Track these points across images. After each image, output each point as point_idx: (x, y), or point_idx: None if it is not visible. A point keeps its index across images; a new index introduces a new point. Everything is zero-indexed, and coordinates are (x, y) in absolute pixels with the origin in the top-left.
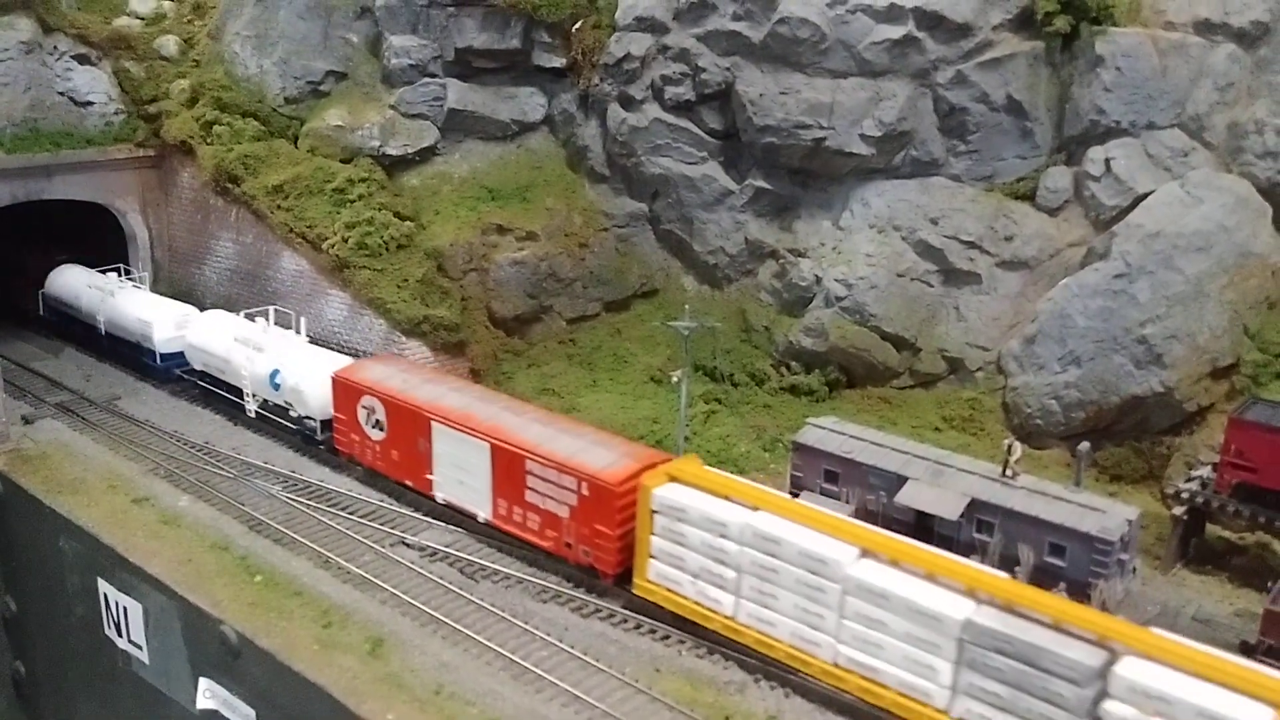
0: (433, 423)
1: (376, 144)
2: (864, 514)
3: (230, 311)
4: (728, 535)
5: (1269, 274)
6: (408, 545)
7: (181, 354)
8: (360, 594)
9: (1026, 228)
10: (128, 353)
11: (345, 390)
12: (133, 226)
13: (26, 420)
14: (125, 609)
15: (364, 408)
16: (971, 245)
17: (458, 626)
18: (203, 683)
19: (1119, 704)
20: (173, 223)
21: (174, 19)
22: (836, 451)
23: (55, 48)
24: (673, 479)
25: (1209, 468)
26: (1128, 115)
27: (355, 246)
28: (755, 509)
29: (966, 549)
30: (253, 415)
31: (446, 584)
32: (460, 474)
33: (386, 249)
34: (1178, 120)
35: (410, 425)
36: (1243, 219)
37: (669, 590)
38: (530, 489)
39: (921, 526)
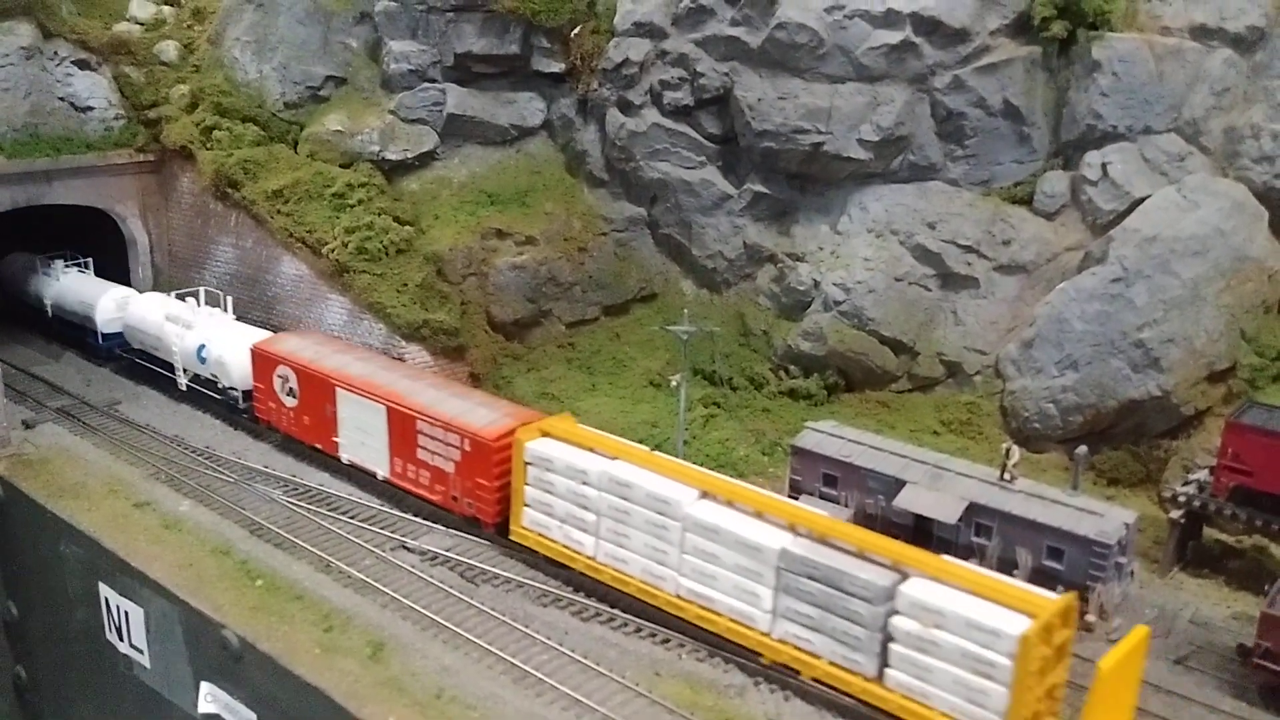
0: (337, 389)
1: (376, 149)
2: (863, 517)
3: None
4: (589, 482)
5: (1265, 278)
6: (408, 550)
7: (121, 334)
8: (361, 598)
9: (1024, 232)
10: (73, 334)
11: (262, 361)
12: (133, 231)
13: (27, 425)
14: (126, 613)
15: (279, 376)
16: (969, 249)
17: (458, 630)
18: (204, 686)
19: (904, 618)
20: (173, 227)
21: (173, 24)
22: (835, 455)
23: (55, 53)
24: (545, 434)
25: (1206, 471)
26: (1124, 120)
27: (355, 251)
28: (614, 458)
29: (965, 552)
30: (183, 389)
31: (447, 588)
32: (362, 435)
33: (386, 253)
34: (1174, 125)
35: (318, 391)
36: (1239, 223)
37: (540, 535)
38: (421, 447)
39: (920, 529)
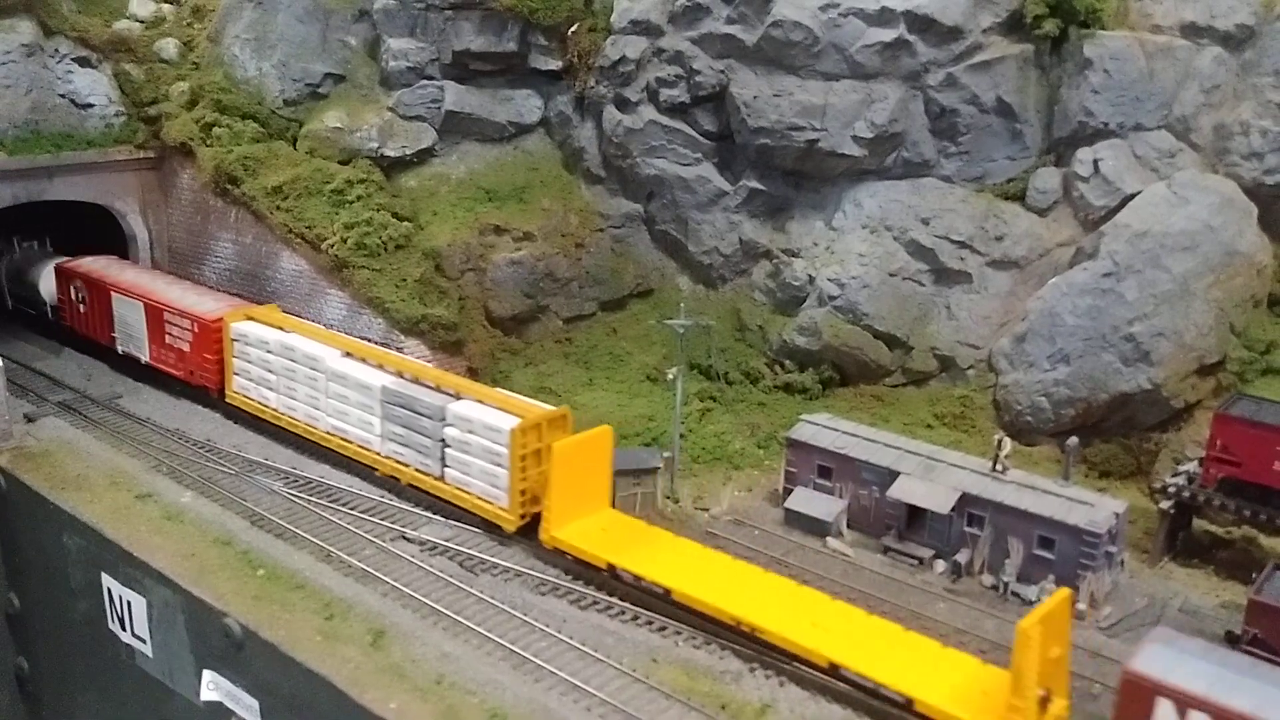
0: (111, 293)
1: (375, 145)
2: (857, 508)
3: None
4: (270, 350)
5: (1254, 272)
6: (408, 540)
7: None
8: (362, 587)
9: (1016, 228)
10: None
11: (62, 277)
12: (133, 227)
13: (29, 418)
14: (129, 603)
15: (74, 288)
16: (962, 245)
17: (458, 618)
18: (206, 675)
19: (449, 427)
20: (172, 224)
21: (173, 22)
22: (830, 447)
23: (56, 50)
24: (249, 318)
25: (1195, 463)
26: (1115, 117)
27: (354, 247)
28: (289, 332)
29: (958, 542)
30: (10, 308)
31: (446, 577)
32: (129, 329)
33: (385, 249)
34: (1165, 122)
35: (100, 297)
36: (1228, 219)
37: (245, 396)
38: (168, 334)
39: (913, 520)
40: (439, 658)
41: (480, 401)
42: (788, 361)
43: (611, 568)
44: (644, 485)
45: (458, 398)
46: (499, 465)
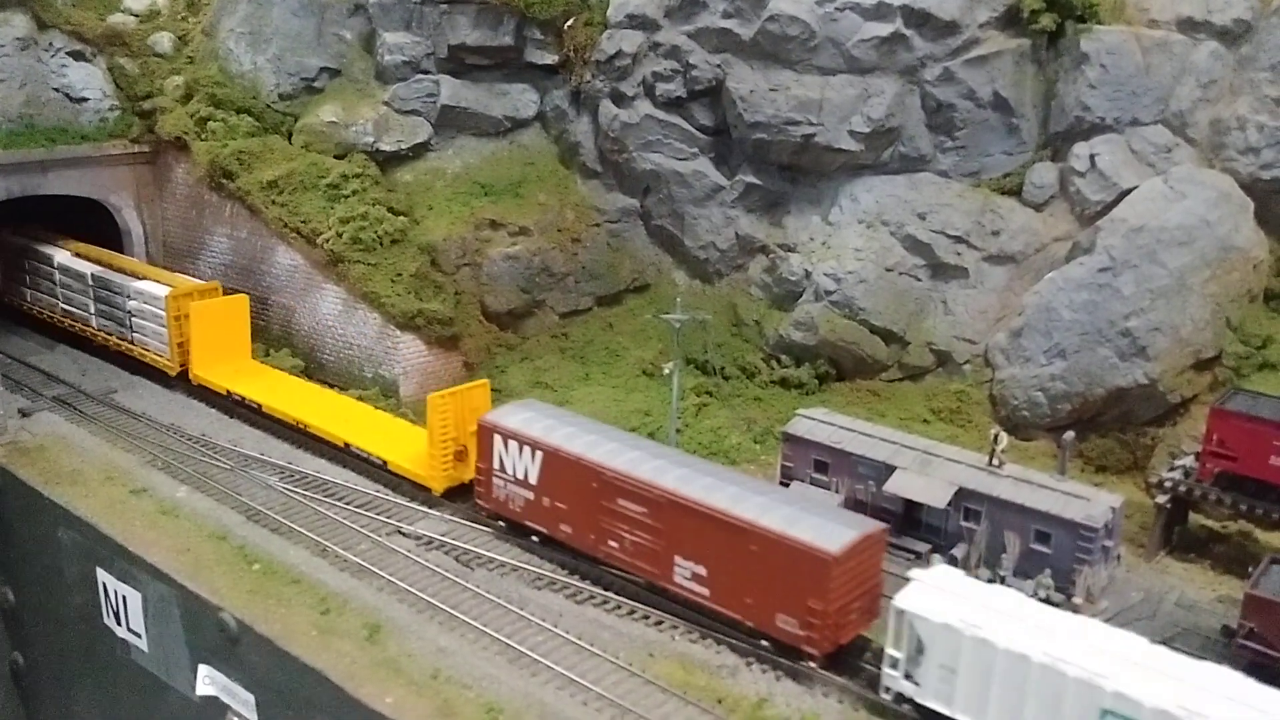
0: None
1: (370, 140)
2: (853, 503)
3: None
4: (25, 256)
5: (1250, 267)
6: (404, 534)
7: None
8: (357, 581)
9: (1013, 222)
10: None
11: None
12: (127, 221)
13: (24, 413)
14: (124, 598)
15: None
16: (959, 240)
17: (454, 613)
18: (202, 669)
19: (132, 300)
20: (167, 218)
21: (168, 16)
22: (826, 442)
23: (51, 44)
24: (15, 234)
25: (1191, 457)
26: (1112, 112)
27: (349, 241)
28: (40, 242)
29: (954, 536)
30: None
31: (443, 572)
32: None
33: (380, 244)
34: (1161, 117)
35: None
36: (1224, 214)
37: (36, 309)
38: None
39: (910, 515)
40: (435, 652)
41: (151, 279)
42: (784, 356)
43: (229, 392)
44: None
45: (141, 279)
46: (161, 325)
